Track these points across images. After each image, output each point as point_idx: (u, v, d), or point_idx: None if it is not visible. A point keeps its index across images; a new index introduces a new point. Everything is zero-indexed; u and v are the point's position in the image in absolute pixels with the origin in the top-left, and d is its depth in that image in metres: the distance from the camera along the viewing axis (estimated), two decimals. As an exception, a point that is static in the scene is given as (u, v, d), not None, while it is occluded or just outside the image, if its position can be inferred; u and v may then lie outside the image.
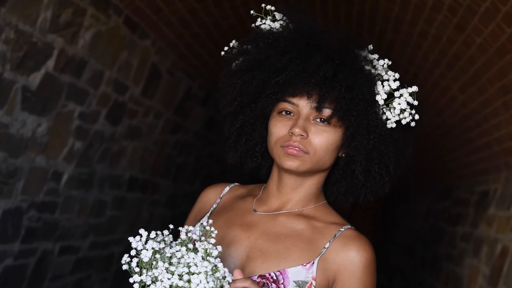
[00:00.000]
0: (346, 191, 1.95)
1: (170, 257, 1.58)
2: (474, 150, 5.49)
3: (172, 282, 1.54)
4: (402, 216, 10.04)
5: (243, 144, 1.95)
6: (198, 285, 1.53)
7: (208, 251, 1.59)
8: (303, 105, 1.81)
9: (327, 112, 1.80)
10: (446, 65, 4.70)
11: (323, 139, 1.82)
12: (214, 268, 1.58)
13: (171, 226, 1.70)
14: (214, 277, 1.56)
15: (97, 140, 5.13)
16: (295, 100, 1.82)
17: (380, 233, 11.79)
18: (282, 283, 1.78)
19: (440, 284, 5.84)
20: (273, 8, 1.92)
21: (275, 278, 1.79)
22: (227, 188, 2.07)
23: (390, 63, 1.86)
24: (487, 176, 5.30)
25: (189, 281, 1.54)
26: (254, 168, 2.01)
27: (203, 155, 7.75)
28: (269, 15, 1.92)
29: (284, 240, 1.86)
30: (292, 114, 1.84)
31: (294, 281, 1.79)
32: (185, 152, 7.21)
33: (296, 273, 1.79)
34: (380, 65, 1.85)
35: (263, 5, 1.93)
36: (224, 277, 1.58)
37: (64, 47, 4.17)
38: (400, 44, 5.08)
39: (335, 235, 1.84)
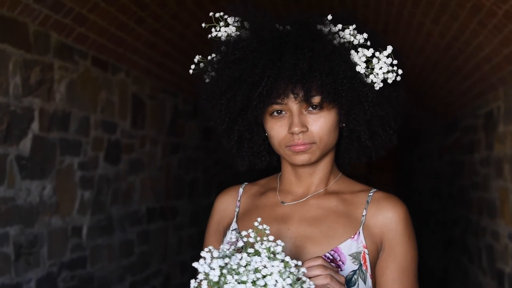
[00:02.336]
0: (358, 155, 1.97)
1: (237, 268, 1.56)
2: (466, 76, 5.48)
3: None
4: (419, 161, 10.04)
5: (247, 150, 1.97)
6: (275, 285, 1.52)
7: (271, 249, 1.58)
8: (292, 102, 1.82)
9: (316, 99, 1.81)
10: (412, 3, 4.68)
11: (322, 124, 1.84)
12: (284, 263, 1.56)
13: (233, 237, 1.69)
14: (289, 272, 1.54)
15: (104, 184, 5.13)
16: (282, 100, 1.83)
17: (401, 184, 11.79)
18: (339, 260, 1.82)
19: (474, 214, 5.83)
20: (222, 13, 1.91)
21: (331, 257, 1.82)
22: (241, 190, 2.07)
23: (354, 26, 1.86)
24: (486, 96, 5.29)
25: (265, 285, 1.52)
26: (266, 165, 2.03)
27: (209, 166, 7.75)
28: (221, 21, 1.91)
29: (324, 220, 1.88)
30: (284, 112, 1.85)
31: (349, 255, 1.82)
32: (192, 168, 7.21)
33: (348, 246, 1.83)
34: (347, 34, 1.85)
35: (211, 14, 1.92)
36: (297, 269, 1.57)
37: (43, 106, 4.17)
38: (362, -2, 5.07)
39: (368, 201, 1.89)
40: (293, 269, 1.55)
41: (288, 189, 1.97)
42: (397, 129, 1.91)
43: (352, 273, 1.82)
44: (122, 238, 5.51)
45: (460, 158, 6.57)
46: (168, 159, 6.53)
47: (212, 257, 1.57)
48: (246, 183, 2.08)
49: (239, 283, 1.53)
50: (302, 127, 1.81)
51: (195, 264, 1.56)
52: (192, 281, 1.57)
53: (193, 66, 1.92)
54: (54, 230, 4.40)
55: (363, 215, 1.87)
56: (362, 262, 1.83)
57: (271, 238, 1.60)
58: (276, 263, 1.54)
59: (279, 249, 1.58)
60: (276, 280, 1.52)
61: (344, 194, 1.93)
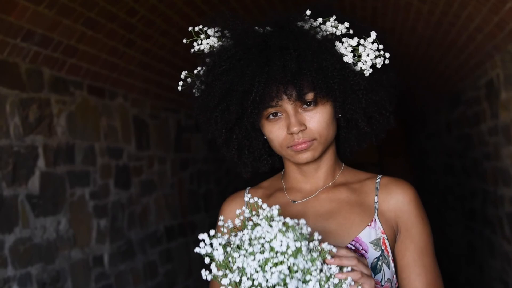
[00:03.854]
0: (358, 142, 1.99)
1: (241, 244, 1.56)
2: (461, 49, 5.46)
3: (259, 260, 1.52)
4: (428, 140, 10.01)
5: (248, 156, 1.97)
6: (281, 245, 1.52)
7: (267, 215, 1.58)
8: (286, 103, 1.82)
9: (310, 96, 1.81)
10: (396, -15, 4.68)
11: (320, 120, 1.84)
12: (284, 224, 1.56)
13: (229, 224, 1.68)
14: (290, 229, 1.54)
15: (118, 210, 5.13)
16: (276, 103, 1.83)
17: (415, 165, 11.76)
18: (362, 249, 1.84)
19: (491, 185, 5.81)
20: (201, 26, 1.91)
21: (353, 248, 1.83)
22: (246, 195, 2.06)
23: (334, 17, 1.86)
24: (484, 66, 5.27)
25: (272, 248, 1.52)
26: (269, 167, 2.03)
27: (221, 176, 7.75)
28: (201, 34, 1.91)
29: (339, 212, 1.90)
30: (280, 114, 1.85)
31: (370, 243, 1.84)
32: (204, 181, 7.21)
33: (367, 235, 1.85)
34: (329, 26, 1.85)
35: (190, 28, 1.92)
36: (297, 224, 1.56)
37: (46, 142, 4.18)
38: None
39: (377, 188, 1.91)
40: (291, 222, 1.55)
41: (296, 187, 1.98)
42: (393, 110, 1.91)
43: (376, 260, 1.84)
44: (144, 261, 5.52)
45: (468, 130, 6.55)
46: (178, 176, 6.53)
47: (210, 237, 1.58)
48: (249, 188, 2.08)
49: (246, 257, 1.53)
50: (300, 126, 1.82)
51: (197, 249, 1.57)
52: (203, 271, 1.57)
53: (181, 83, 1.93)
54: (76, 263, 4.40)
55: (375, 202, 1.89)
56: (383, 248, 1.85)
57: (265, 206, 1.60)
58: (274, 223, 1.54)
59: (275, 212, 1.58)
60: (281, 241, 1.52)
61: (352, 184, 1.95)
